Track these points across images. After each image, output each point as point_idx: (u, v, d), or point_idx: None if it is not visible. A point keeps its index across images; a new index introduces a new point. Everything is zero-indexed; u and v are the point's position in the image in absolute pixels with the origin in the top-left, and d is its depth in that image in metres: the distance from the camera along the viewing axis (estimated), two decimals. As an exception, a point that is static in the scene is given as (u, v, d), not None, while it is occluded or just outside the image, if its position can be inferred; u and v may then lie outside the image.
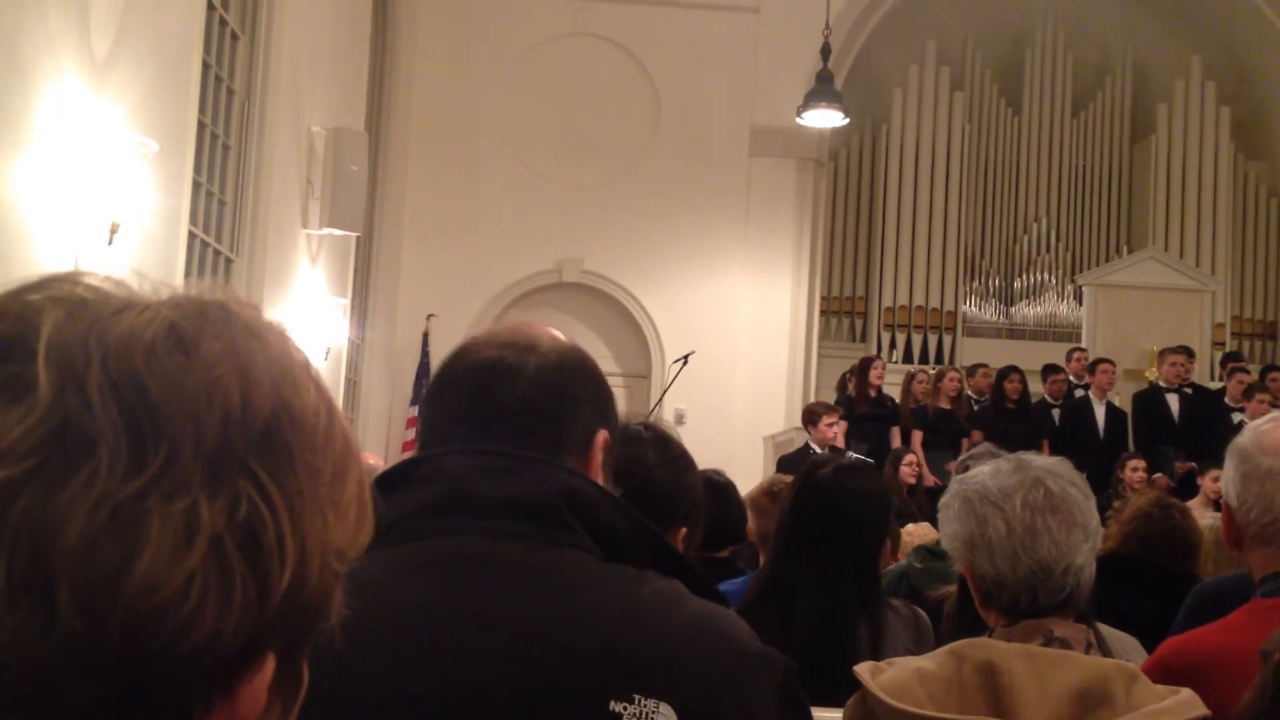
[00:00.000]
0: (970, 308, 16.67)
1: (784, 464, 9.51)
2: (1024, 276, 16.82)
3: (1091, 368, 11.40)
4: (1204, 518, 4.85)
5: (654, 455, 2.37)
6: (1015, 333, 16.57)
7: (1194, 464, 9.86)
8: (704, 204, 13.93)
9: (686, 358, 11.46)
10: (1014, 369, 11.36)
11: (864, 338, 16.47)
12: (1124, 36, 17.10)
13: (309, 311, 9.81)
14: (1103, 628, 2.71)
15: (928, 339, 16.37)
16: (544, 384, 1.46)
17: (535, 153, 13.89)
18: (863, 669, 1.71)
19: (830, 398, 11.48)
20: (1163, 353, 11.54)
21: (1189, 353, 11.34)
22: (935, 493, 7.55)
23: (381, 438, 13.11)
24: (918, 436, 10.72)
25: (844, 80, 13.82)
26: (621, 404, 1.73)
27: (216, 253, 8.56)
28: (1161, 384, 11.22)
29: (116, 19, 6.21)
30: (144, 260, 6.59)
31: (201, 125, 8.01)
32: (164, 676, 0.59)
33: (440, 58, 13.78)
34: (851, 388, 11.06)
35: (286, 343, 0.67)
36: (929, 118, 16.59)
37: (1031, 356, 13.67)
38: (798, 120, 12.63)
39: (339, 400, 10.50)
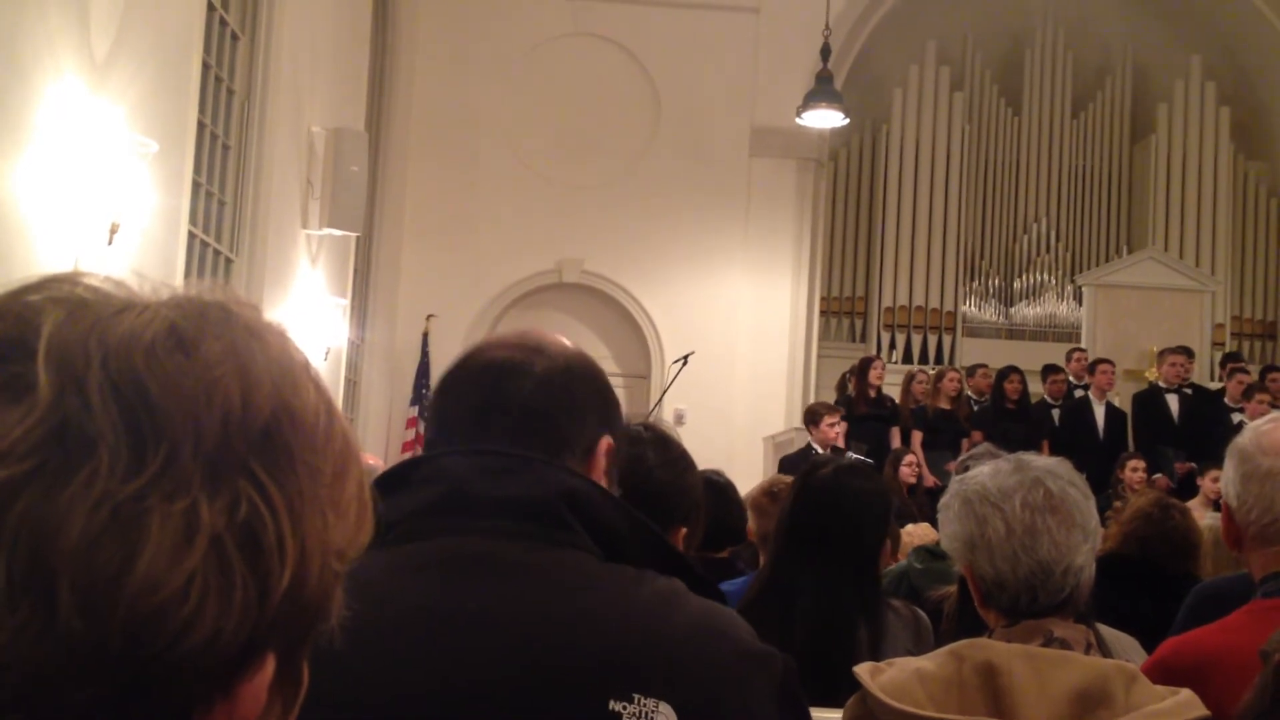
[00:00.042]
0: (970, 308, 16.67)
1: (786, 464, 9.51)
2: (1024, 277, 16.82)
3: (1091, 368, 11.40)
4: (1203, 518, 4.85)
5: (654, 455, 2.37)
6: (1015, 333, 16.57)
7: (1194, 464, 9.86)
8: (704, 204, 13.93)
9: (686, 358, 11.46)
10: (1014, 369, 11.36)
11: (864, 338, 16.48)
12: (1124, 37, 17.10)
13: (309, 312, 9.81)
14: (1102, 628, 2.71)
15: (927, 339, 16.37)
16: (549, 386, 1.46)
17: (535, 153, 13.89)
18: (862, 669, 1.71)
19: (830, 398, 11.48)
20: (1162, 353, 11.54)
21: (1189, 353, 11.34)
22: (935, 493, 7.55)
23: (381, 438, 13.11)
24: (917, 437, 10.72)
25: (844, 80, 13.82)
26: (621, 405, 1.72)
27: (216, 253, 8.56)
28: (1161, 384, 11.22)
29: (116, 19, 6.21)
30: (144, 260, 6.59)
31: (201, 125, 8.01)
32: (164, 676, 0.59)
33: (440, 58, 13.79)
34: (851, 388, 11.06)
35: (286, 343, 0.67)
36: (929, 118, 16.59)
37: (1031, 357, 13.67)
38: (798, 120, 12.64)
39: (339, 401, 10.49)
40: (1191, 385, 11.29)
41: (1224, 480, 2.25)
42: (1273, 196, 16.98)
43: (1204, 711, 1.62)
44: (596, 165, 13.92)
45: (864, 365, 11.17)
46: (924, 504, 8.79)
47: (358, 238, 11.38)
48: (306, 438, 0.65)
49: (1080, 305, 14.91)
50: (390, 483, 1.43)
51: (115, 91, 6.21)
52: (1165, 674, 1.96)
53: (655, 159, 14.01)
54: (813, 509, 2.97)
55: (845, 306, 16.66)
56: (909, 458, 9.83)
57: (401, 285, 13.67)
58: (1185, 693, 1.65)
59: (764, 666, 1.34)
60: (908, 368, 13.14)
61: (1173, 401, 10.98)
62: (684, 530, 2.38)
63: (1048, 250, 16.92)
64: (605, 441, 1.48)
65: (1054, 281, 16.72)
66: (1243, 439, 2.20)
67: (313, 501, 0.64)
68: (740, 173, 14.05)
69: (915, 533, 5.70)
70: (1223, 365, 12.33)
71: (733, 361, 13.71)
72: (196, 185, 7.85)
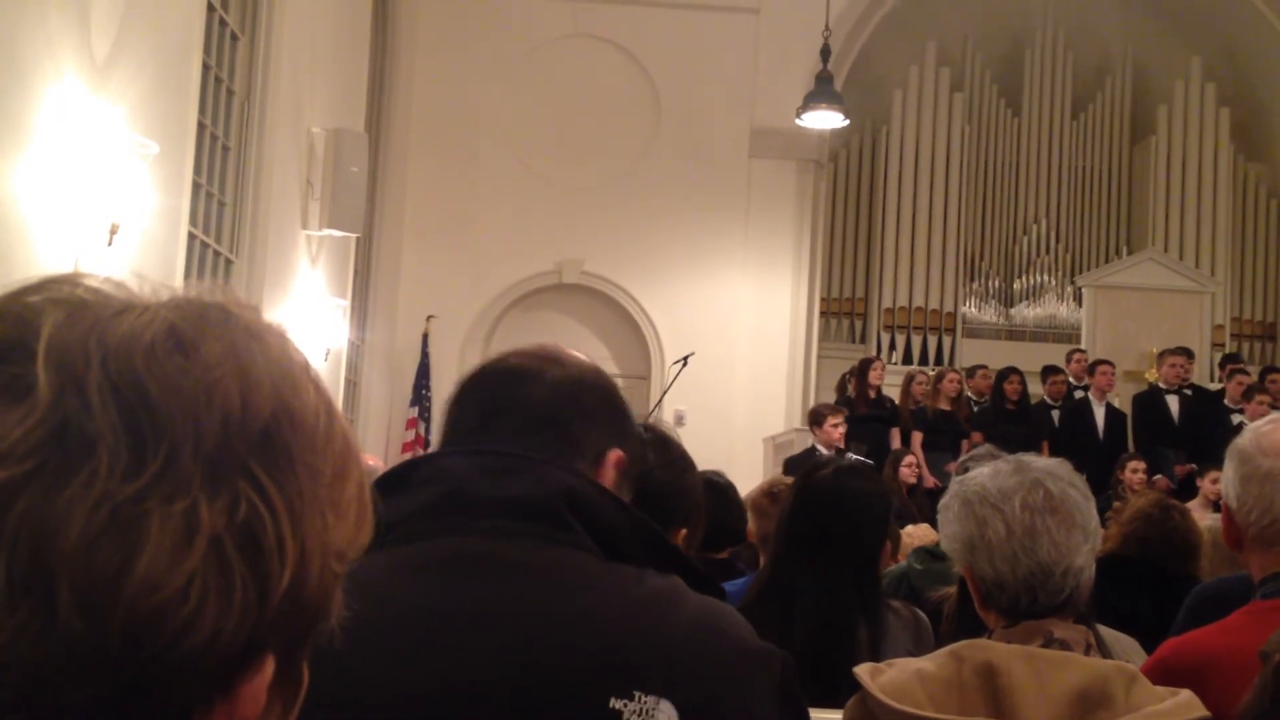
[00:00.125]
0: (970, 309, 16.68)
1: (789, 465, 9.52)
2: (1024, 278, 16.83)
3: (1091, 369, 11.40)
4: (1203, 519, 4.84)
5: (654, 456, 2.37)
6: (1015, 334, 16.57)
7: (1194, 466, 9.86)
8: (704, 205, 13.93)
9: (686, 359, 11.46)
10: (1013, 370, 11.35)
11: (864, 339, 16.48)
12: (1124, 37, 17.10)
13: (309, 313, 9.81)
14: (1102, 629, 2.71)
15: (927, 340, 16.38)
16: (560, 394, 1.47)
17: (535, 154, 13.89)
18: (862, 670, 1.71)
19: (830, 399, 11.48)
20: (1162, 354, 11.53)
21: (1188, 354, 11.34)
22: (935, 494, 7.54)
23: (381, 439, 13.11)
24: (918, 438, 10.72)
25: (844, 81, 13.82)
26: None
27: (216, 254, 8.56)
28: (1161, 385, 11.22)
29: (116, 20, 6.21)
30: (144, 261, 6.59)
31: (201, 126, 8.01)
32: (164, 677, 0.59)
33: (440, 59, 13.79)
34: (851, 389, 11.05)
35: (286, 344, 0.67)
36: (929, 119, 16.60)
37: (1031, 358, 13.66)
38: (798, 121, 12.64)
39: (339, 401, 10.49)
40: (1191, 386, 11.29)
41: (1224, 481, 2.25)
42: (1273, 197, 16.98)
43: (1204, 712, 1.62)
44: (597, 166, 13.92)
45: (864, 366, 11.16)
46: (924, 505, 8.78)
47: (358, 239, 11.38)
48: (306, 438, 0.65)
49: (1080, 306, 14.91)
50: (390, 483, 1.43)
51: (115, 92, 6.21)
52: (1165, 675, 1.96)
53: (655, 160, 14.01)
54: (813, 510, 2.97)
55: (845, 307, 16.67)
56: (909, 459, 9.83)
57: (401, 286, 13.68)
58: (1185, 693, 1.65)
59: (764, 664, 1.35)
60: (908, 369, 13.13)
61: (1173, 402, 10.98)
62: (684, 531, 2.38)
63: (1047, 251, 16.93)
64: (615, 453, 1.48)
65: (1054, 282, 16.73)
66: (1242, 440, 2.20)
67: (312, 502, 0.64)
68: (740, 174, 14.05)
69: (915, 534, 5.70)
70: (1222, 366, 12.32)
71: (733, 362, 13.71)
72: (196, 186, 7.85)
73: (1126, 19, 16.98)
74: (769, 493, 4.17)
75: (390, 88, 13.43)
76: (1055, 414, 11.39)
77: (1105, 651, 2.06)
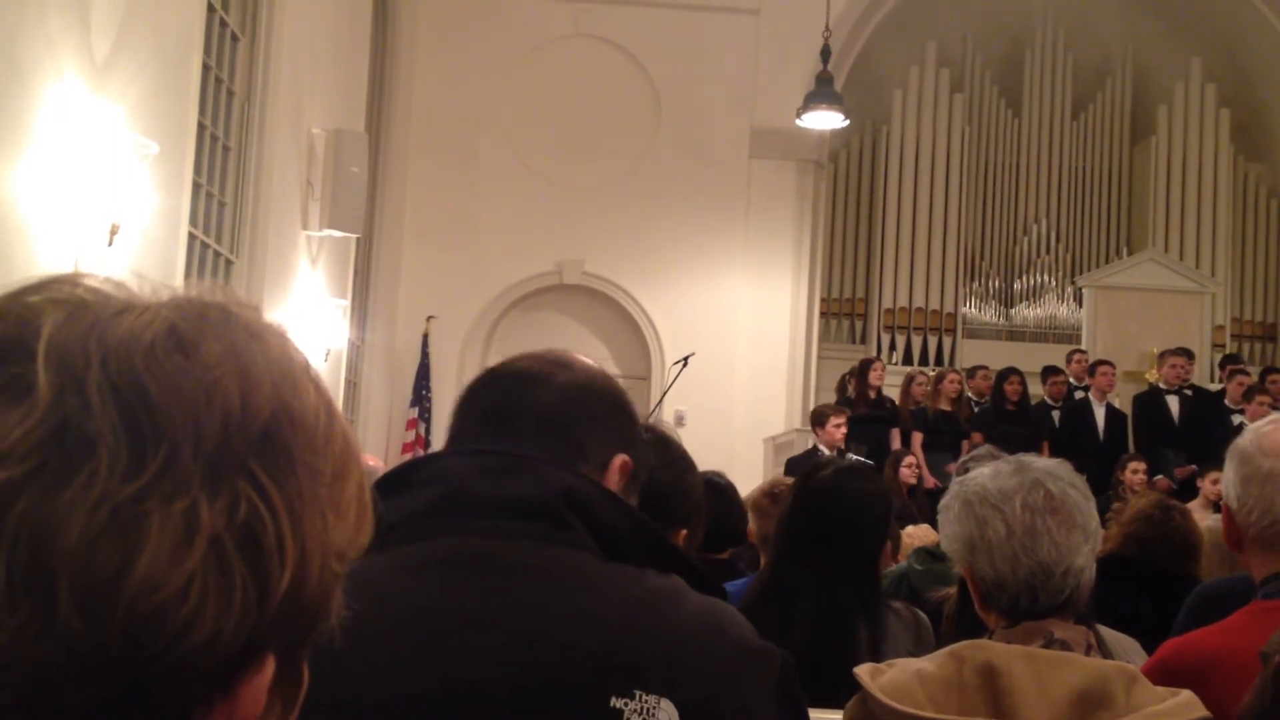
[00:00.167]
0: (970, 309, 16.68)
1: (791, 465, 9.52)
2: (1024, 278, 16.83)
3: (1091, 369, 11.39)
4: (1204, 520, 4.84)
5: (654, 457, 2.37)
6: (1015, 334, 16.57)
7: (1194, 467, 9.86)
8: (704, 206, 13.93)
9: (686, 359, 11.46)
10: (1014, 371, 11.35)
11: (864, 339, 16.48)
12: (1124, 38, 17.11)
13: (309, 313, 9.81)
14: (1103, 629, 2.71)
15: (928, 341, 16.38)
16: (567, 398, 1.48)
17: (535, 154, 13.89)
18: (863, 671, 1.71)
19: (830, 399, 11.47)
20: (1163, 354, 11.53)
21: (1189, 354, 11.34)
22: (935, 494, 7.54)
23: (381, 439, 13.12)
24: (918, 438, 10.71)
25: (844, 82, 13.82)
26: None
27: (216, 254, 8.56)
28: (1161, 386, 11.21)
29: (117, 20, 6.21)
30: (144, 261, 6.59)
31: (201, 126, 8.02)
32: (164, 677, 0.59)
33: (440, 59, 13.79)
34: (851, 389, 11.05)
35: (286, 344, 0.67)
36: (929, 119, 16.60)
37: (1031, 358, 13.66)
38: (798, 122, 12.64)
39: (339, 402, 10.49)
40: (1192, 387, 11.29)
41: (1224, 482, 2.25)
42: (1273, 198, 16.98)
43: (1204, 712, 1.62)
44: (597, 167, 13.92)
45: (864, 367, 11.16)
46: (924, 505, 8.78)
47: (358, 239, 11.38)
48: (306, 439, 0.65)
49: (1080, 307, 14.91)
50: (391, 484, 1.43)
51: (115, 92, 6.21)
52: (1165, 675, 1.96)
53: (655, 160, 14.02)
54: (813, 510, 2.97)
55: (845, 308, 16.67)
56: (909, 459, 9.83)
57: (401, 286, 13.68)
58: (1185, 694, 1.65)
59: (764, 664, 1.35)
60: (908, 369, 13.13)
61: (1173, 403, 10.97)
62: (684, 531, 2.38)
63: (1048, 252, 16.93)
64: (620, 458, 1.49)
65: (1054, 283, 16.73)
66: (1243, 441, 2.20)
67: (313, 502, 0.64)
68: (740, 174, 14.06)
69: (915, 534, 5.70)
70: (1222, 367, 12.32)
71: (733, 363, 13.71)
72: (197, 186, 7.85)
73: (1126, 19, 16.98)
74: (770, 493, 4.16)
75: (390, 88, 13.43)
76: (1055, 414, 11.39)
77: (1106, 652, 2.06)
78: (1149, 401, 11.13)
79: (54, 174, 5.69)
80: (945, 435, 10.85)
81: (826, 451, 9.46)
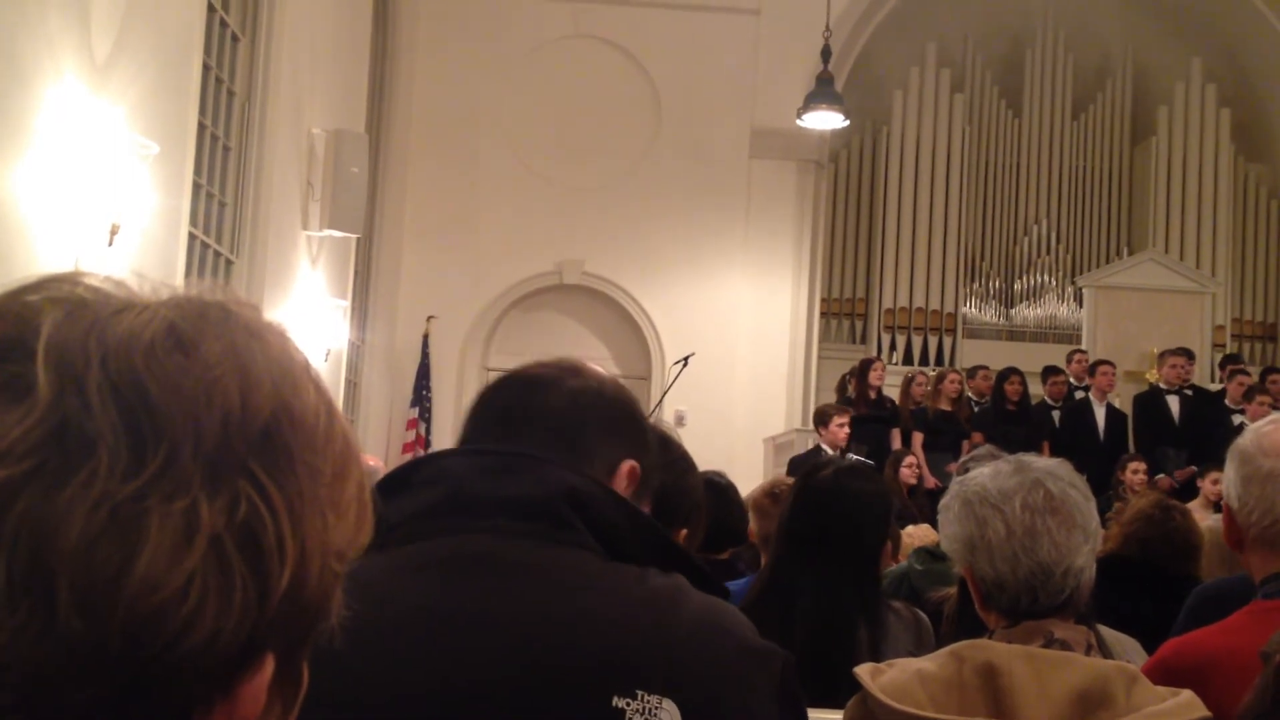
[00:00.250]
0: (970, 309, 16.68)
1: (794, 464, 9.52)
2: (1024, 278, 16.83)
3: (1092, 369, 11.39)
4: (1204, 520, 4.84)
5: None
6: (1015, 334, 16.57)
7: (1194, 468, 9.86)
8: (704, 206, 13.93)
9: (687, 359, 11.46)
10: (1014, 371, 11.34)
11: (864, 339, 16.48)
12: (1124, 38, 17.10)
13: (309, 313, 9.81)
14: (1103, 629, 2.71)
15: (928, 341, 16.38)
16: (575, 403, 1.49)
17: (536, 154, 13.89)
18: (863, 670, 1.71)
19: (830, 399, 11.47)
20: (1163, 355, 11.53)
21: (1189, 354, 11.33)
22: (936, 494, 7.54)
23: (382, 439, 13.12)
24: (918, 438, 10.71)
25: (844, 82, 13.82)
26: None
27: (216, 254, 8.57)
28: (1162, 386, 11.21)
29: (117, 21, 6.21)
30: (144, 261, 6.59)
31: (202, 127, 8.02)
32: (164, 676, 0.59)
33: (441, 60, 13.79)
34: (851, 389, 11.05)
35: (286, 344, 0.67)
36: (929, 119, 16.60)
37: (1032, 358, 13.66)
38: (798, 122, 12.64)
39: (339, 402, 10.49)
40: (1192, 387, 11.29)
41: (1225, 482, 2.25)
42: (1273, 198, 16.98)
43: (1205, 712, 1.62)
44: (597, 167, 13.92)
45: (864, 367, 11.15)
46: (924, 505, 8.78)
47: (358, 239, 11.39)
48: (306, 438, 0.64)
49: (1081, 307, 14.91)
50: (392, 484, 1.43)
51: (116, 93, 6.21)
52: (1166, 675, 1.95)
53: (656, 160, 14.02)
54: (813, 510, 2.97)
55: (845, 308, 16.66)
56: (909, 459, 9.82)
57: (402, 287, 13.68)
58: (1186, 694, 1.65)
59: (765, 664, 1.35)
60: (908, 369, 13.13)
61: (1173, 403, 10.97)
62: (684, 531, 2.38)
63: (1048, 252, 16.93)
64: (628, 464, 1.49)
65: (1054, 283, 16.73)
66: (1243, 441, 2.20)
67: (312, 502, 0.64)
68: (740, 174, 14.06)
69: (916, 534, 5.70)
70: (1222, 367, 12.32)
71: (733, 363, 13.71)
72: (197, 186, 7.86)
73: (1127, 20, 16.98)
74: (770, 493, 4.16)
75: (390, 88, 13.43)
76: (1056, 414, 11.39)
77: (1106, 652, 2.06)
78: (1149, 401, 11.13)
79: (54, 174, 5.69)
80: (945, 435, 10.85)
81: (830, 451, 9.46)
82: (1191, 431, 10.63)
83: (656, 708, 1.25)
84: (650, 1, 14.01)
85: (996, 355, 14.34)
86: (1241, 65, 16.77)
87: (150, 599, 0.58)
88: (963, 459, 8.52)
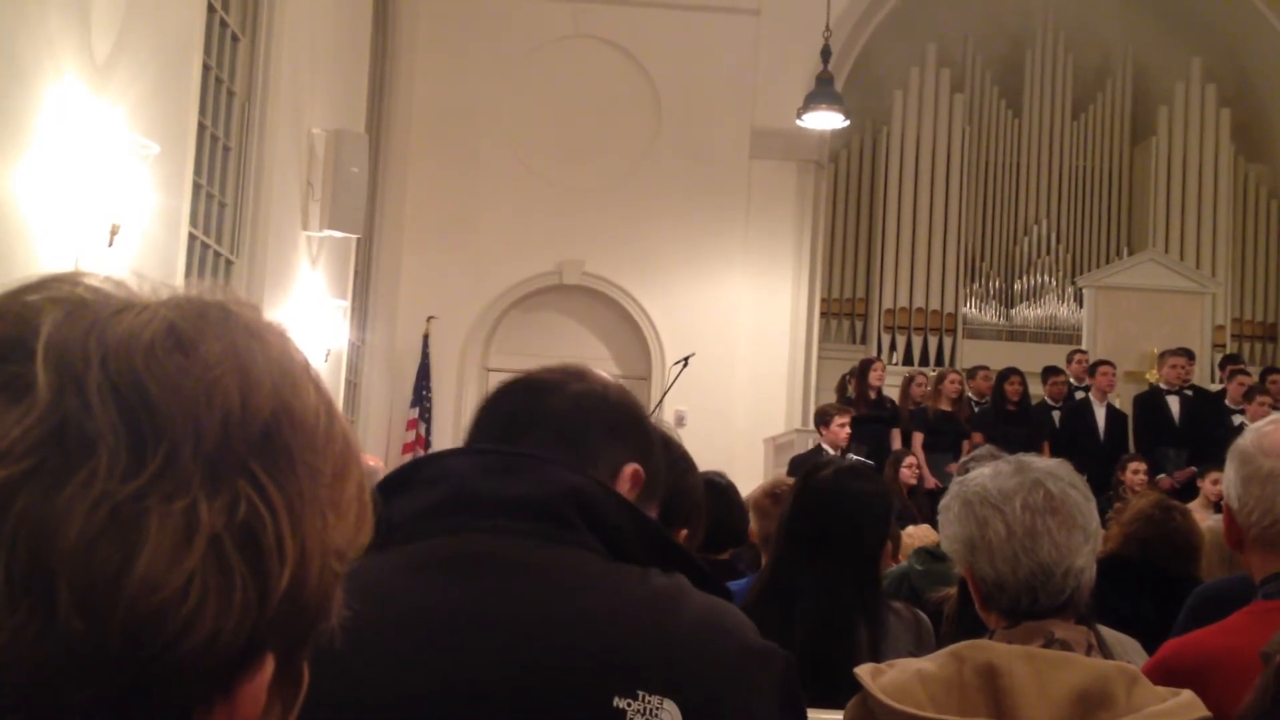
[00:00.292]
0: (970, 310, 16.68)
1: (794, 464, 9.52)
2: (1024, 278, 16.83)
3: (1092, 370, 11.39)
4: (1204, 520, 4.84)
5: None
6: (1015, 335, 16.57)
7: (1194, 469, 9.86)
8: (704, 206, 13.93)
9: (687, 359, 11.46)
10: (1014, 371, 11.34)
11: (864, 340, 16.47)
12: (1124, 39, 17.10)
13: (309, 313, 9.81)
14: (1103, 629, 2.70)
15: (928, 341, 16.37)
16: (580, 407, 1.50)
17: (536, 155, 13.89)
18: (863, 671, 1.71)
19: (830, 400, 11.47)
20: (1163, 355, 11.53)
21: (1189, 355, 11.33)
22: (936, 495, 7.54)
23: (382, 439, 13.12)
24: (918, 438, 10.71)
25: (844, 82, 13.82)
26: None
27: (217, 254, 8.57)
28: (1162, 386, 11.21)
29: (117, 21, 6.21)
30: (144, 261, 6.59)
31: (202, 127, 8.02)
32: (164, 677, 0.58)
33: (441, 60, 13.79)
34: (851, 389, 11.05)
35: (286, 344, 0.67)
36: (929, 120, 16.60)
37: (1032, 358, 13.66)
38: (798, 122, 12.63)
39: (339, 402, 10.50)
40: (1192, 387, 11.29)
41: (1225, 482, 2.24)
42: (1273, 198, 16.98)
43: (1205, 713, 1.62)
44: (597, 167, 13.92)
45: (864, 367, 11.15)
46: (924, 506, 8.78)
47: (358, 239, 11.39)
48: (306, 438, 0.64)
49: (1081, 307, 14.91)
50: (394, 484, 1.43)
51: (116, 93, 6.21)
52: (1166, 675, 1.95)
53: (656, 161, 14.01)
54: (813, 510, 2.97)
55: (846, 308, 16.66)
56: (909, 459, 9.82)
57: (402, 287, 13.68)
58: (1186, 694, 1.65)
59: (767, 664, 1.35)
60: (908, 369, 13.13)
61: (1173, 403, 10.97)
62: (684, 532, 2.38)
63: (1048, 252, 16.93)
64: (631, 467, 1.50)
65: (1054, 283, 16.73)
66: (1244, 441, 2.20)
67: (312, 502, 0.64)
68: (740, 174, 14.06)
69: (916, 534, 5.70)
70: (1222, 367, 12.32)
71: (733, 363, 13.71)
72: (197, 187, 7.85)
73: (1127, 20, 16.98)
74: (771, 493, 4.17)
75: (390, 88, 13.43)
76: (1056, 415, 11.39)
77: (1106, 652, 2.06)
78: (1149, 402, 11.13)
79: (54, 174, 5.69)
80: (946, 435, 10.85)
81: (831, 451, 9.47)
82: (1192, 432, 10.63)
83: (657, 708, 1.25)
84: (650, 1, 14.01)
85: (996, 355, 14.34)
86: (1241, 65, 16.77)
87: (150, 599, 0.57)
88: (963, 459, 8.53)
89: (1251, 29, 16.08)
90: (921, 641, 2.92)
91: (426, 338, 13.68)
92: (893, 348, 16.22)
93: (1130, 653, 2.88)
